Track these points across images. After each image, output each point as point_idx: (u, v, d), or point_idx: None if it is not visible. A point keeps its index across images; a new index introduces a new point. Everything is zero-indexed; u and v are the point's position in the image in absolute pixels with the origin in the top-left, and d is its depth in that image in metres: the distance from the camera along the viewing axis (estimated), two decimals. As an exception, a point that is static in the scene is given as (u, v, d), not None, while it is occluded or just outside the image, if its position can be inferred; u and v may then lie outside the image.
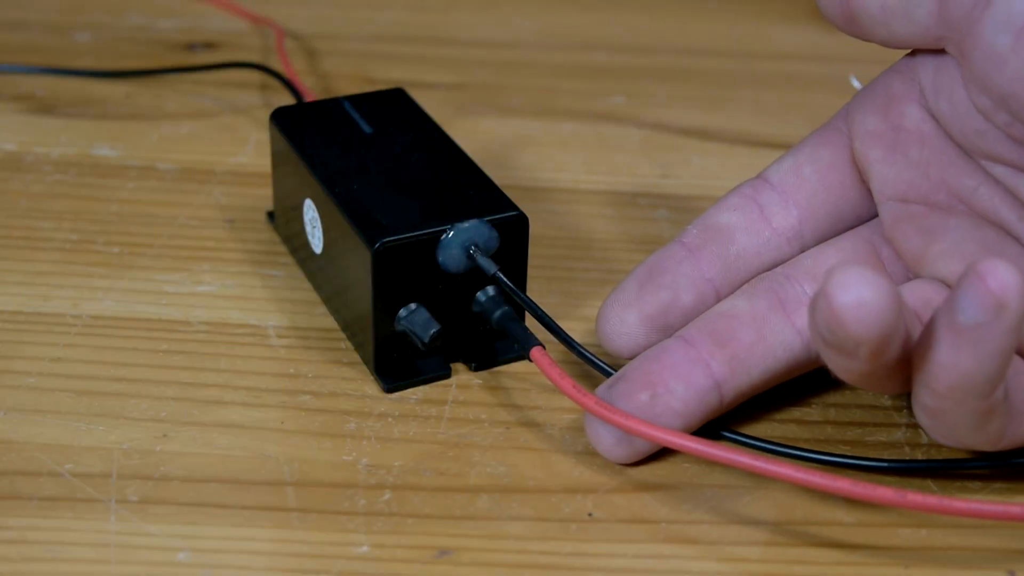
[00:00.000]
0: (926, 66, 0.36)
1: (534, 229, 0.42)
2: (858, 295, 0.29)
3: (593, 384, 0.38)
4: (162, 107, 0.53)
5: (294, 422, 0.37)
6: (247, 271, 0.43)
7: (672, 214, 0.47)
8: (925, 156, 0.37)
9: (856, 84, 0.50)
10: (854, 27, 0.36)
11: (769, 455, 0.36)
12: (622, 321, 0.37)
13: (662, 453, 0.36)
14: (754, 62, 0.59)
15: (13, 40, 0.57)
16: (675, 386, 0.35)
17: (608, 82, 0.56)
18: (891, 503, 0.32)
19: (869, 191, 0.38)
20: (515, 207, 0.39)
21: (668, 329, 0.37)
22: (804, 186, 0.38)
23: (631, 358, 0.37)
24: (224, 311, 0.41)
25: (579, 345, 0.37)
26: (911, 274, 0.37)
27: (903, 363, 0.32)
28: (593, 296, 0.43)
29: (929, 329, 0.31)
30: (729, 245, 0.38)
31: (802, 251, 0.38)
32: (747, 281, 0.38)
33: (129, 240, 0.45)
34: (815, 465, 0.36)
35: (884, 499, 0.32)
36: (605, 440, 0.35)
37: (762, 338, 0.36)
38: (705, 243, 0.38)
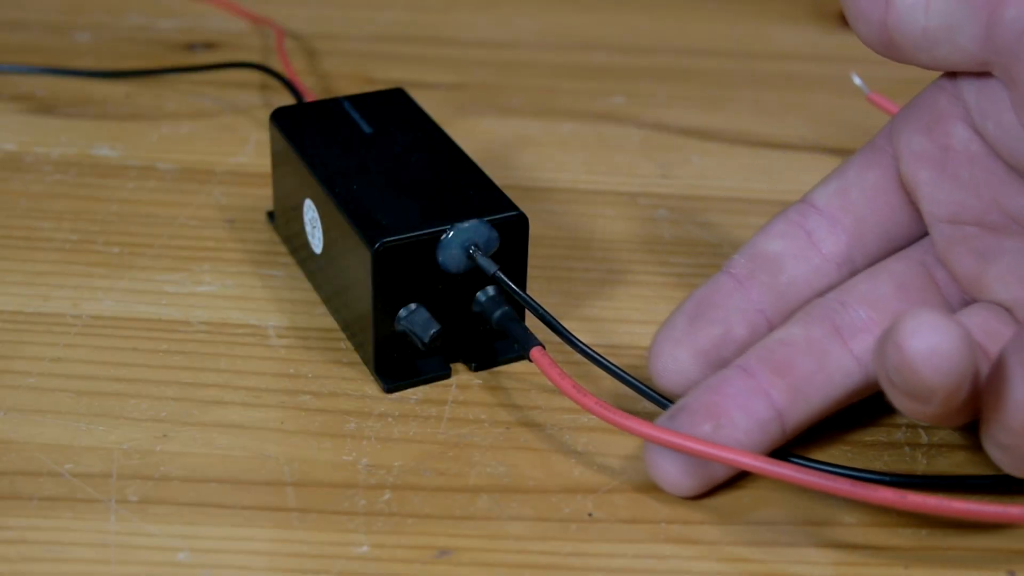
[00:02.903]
0: (969, 87, 0.35)
1: (534, 229, 0.42)
2: (932, 343, 0.29)
3: (593, 384, 0.38)
4: (162, 107, 0.53)
5: (294, 422, 0.37)
6: (247, 271, 0.43)
7: (672, 214, 0.47)
8: (975, 176, 0.35)
9: (858, 82, 0.50)
10: (894, 52, 0.35)
11: (769, 456, 0.36)
12: (675, 359, 0.36)
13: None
14: (754, 62, 0.59)
15: (13, 40, 0.57)
16: (738, 417, 0.34)
17: (608, 82, 0.56)
18: (891, 504, 0.32)
19: (918, 211, 0.37)
20: (515, 207, 0.39)
21: (722, 363, 0.36)
22: (851, 210, 0.37)
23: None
24: (224, 311, 0.41)
25: (580, 342, 0.37)
26: (967, 296, 0.36)
27: (972, 399, 0.31)
28: (593, 296, 0.43)
29: (1000, 366, 0.30)
30: (779, 274, 0.37)
31: (852, 275, 0.37)
32: (799, 308, 0.37)
33: (129, 240, 0.45)
34: (814, 471, 0.36)
35: (884, 500, 0.32)
36: (670, 473, 0.34)
37: (821, 366, 0.35)
38: (754, 273, 0.37)
